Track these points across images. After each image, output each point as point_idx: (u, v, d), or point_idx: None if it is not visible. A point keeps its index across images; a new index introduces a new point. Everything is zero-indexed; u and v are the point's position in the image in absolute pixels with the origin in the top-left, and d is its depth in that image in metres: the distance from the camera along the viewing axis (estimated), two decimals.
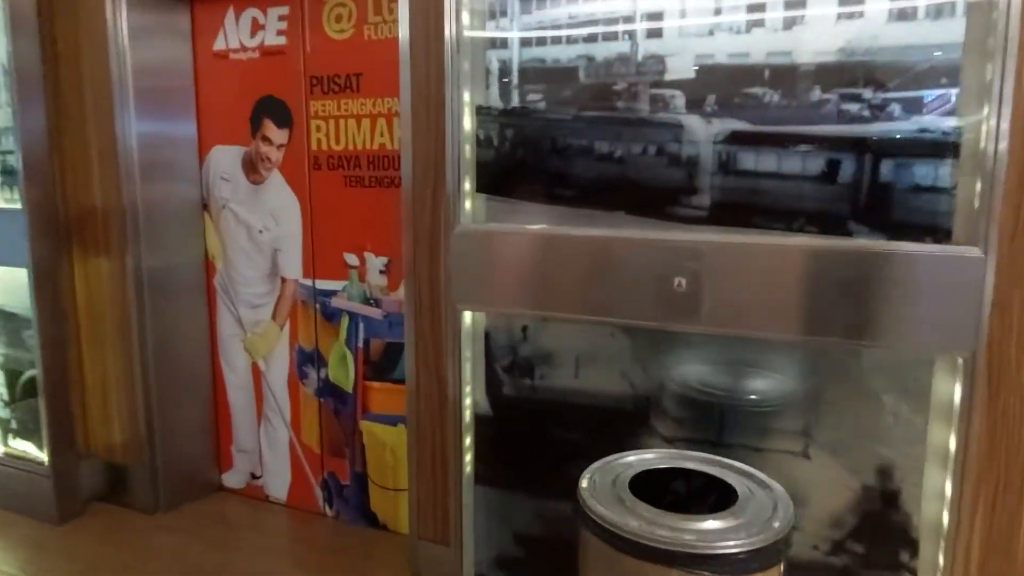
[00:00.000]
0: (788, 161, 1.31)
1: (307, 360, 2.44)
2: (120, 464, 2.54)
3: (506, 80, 1.55)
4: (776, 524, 1.06)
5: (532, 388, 1.64)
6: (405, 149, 1.84)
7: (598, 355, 1.57)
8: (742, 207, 1.36)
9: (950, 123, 1.22)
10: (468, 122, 1.59)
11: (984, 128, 1.18)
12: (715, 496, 1.17)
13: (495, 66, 1.56)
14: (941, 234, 1.24)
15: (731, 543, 1.03)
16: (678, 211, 1.41)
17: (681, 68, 1.39)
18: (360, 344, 2.33)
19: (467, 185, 1.61)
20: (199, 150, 2.50)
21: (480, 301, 1.59)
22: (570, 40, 1.45)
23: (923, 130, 1.23)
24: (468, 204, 1.62)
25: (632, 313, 1.43)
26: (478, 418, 1.70)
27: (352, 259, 2.29)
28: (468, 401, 1.68)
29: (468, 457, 1.72)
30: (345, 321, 2.34)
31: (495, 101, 1.57)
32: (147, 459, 2.47)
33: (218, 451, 2.69)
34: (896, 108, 1.25)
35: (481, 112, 1.57)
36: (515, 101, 1.55)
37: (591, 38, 1.44)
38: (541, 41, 1.49)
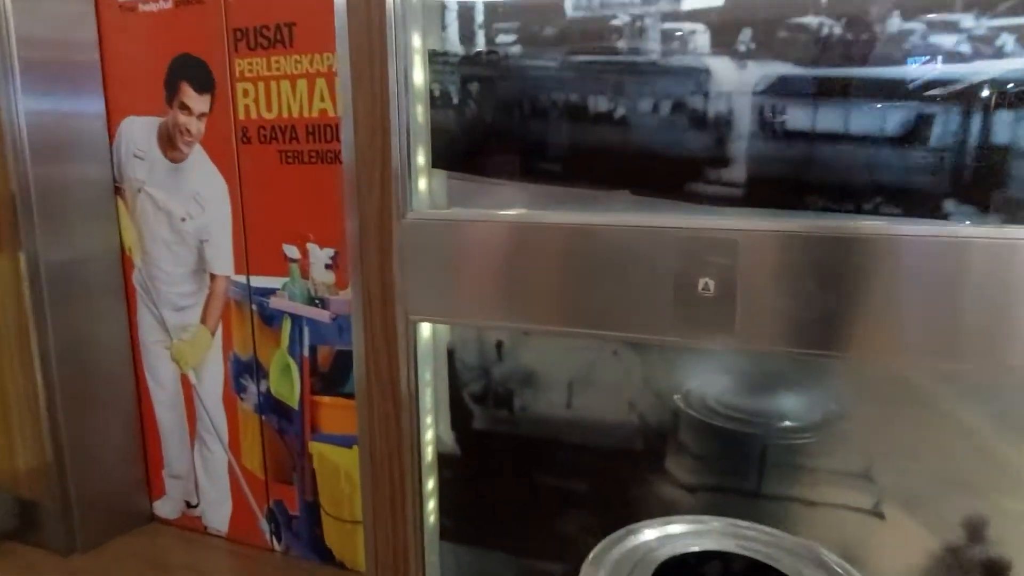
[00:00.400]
0: (858, 118, 0.94)
1: (244, 371, 2.06)
2: (27, 498, 2.15)
3: (468, 16, 1.16)
4: None
5: (511, 421, 1.28)
6: (345, 115, 1.44)
7: (597, 379, 1.21)
8: (792, 182, 0.99)
9: None
10: (419, 74, 1.20)
11: None
12: None
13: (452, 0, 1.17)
14: None
15: None
16: (703, 189, 1.04)
17: None
18: (305, 352, 1.95)
19: (420, 159, 1.23)
20: (108, 123, 2.08)
21: (440, 311, 1.22)
22: None
23: None
24: (422, 184, 1.24)
25: (641, 325, 1.07)
26: (443, 458, 1.34)
27: (292, 251, 1.90)
28: (430, 436, 1.32)
29: (432, 505, 1.36)
30: (287, 325, 1.95)
31: (454, 45, 1.19)
32: (58, 491, 2.09)
33: (147, 477, 2.31)
34: (1008, 41, 0.89)
35: (436, 60, 1.18)
36: (480, 44, 1.17)
37: None
38: None
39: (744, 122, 1.00)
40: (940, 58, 0.92)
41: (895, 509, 1.07)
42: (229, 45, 1.86)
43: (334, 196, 1.79)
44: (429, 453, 1.33)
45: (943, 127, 0.92)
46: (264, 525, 2.15)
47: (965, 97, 0.91)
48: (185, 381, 2.17)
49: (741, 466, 1.14)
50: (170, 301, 2.13)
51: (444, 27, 1.19)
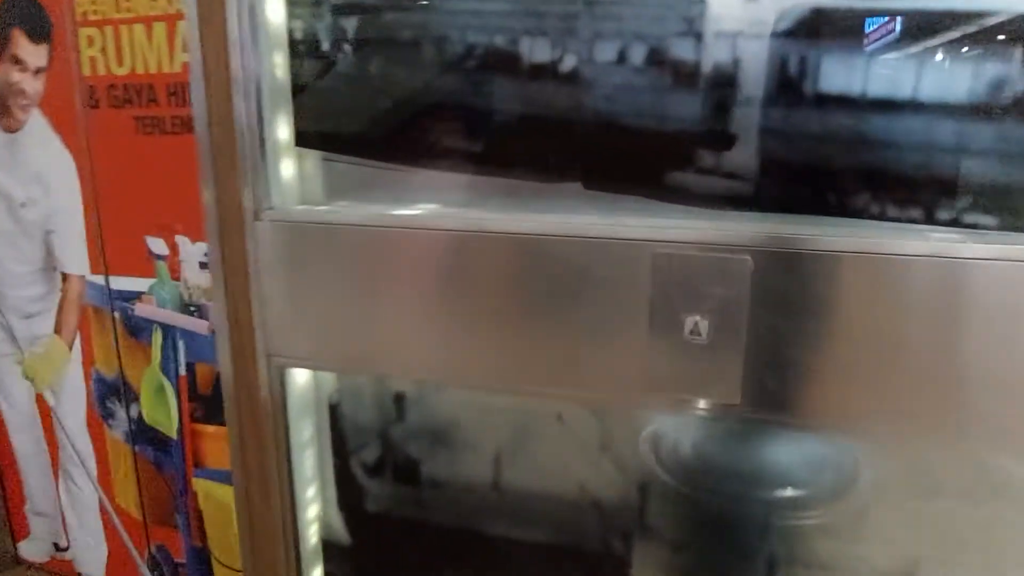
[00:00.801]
0: (931, 74, 0.60)
1: (110, 392, 1.66)
2: None
3: None
4: None
5: (416, 502, 0.93)
6: (194, 72, 1.05)
7: (536, 447, 0.86)
8: (830, 175, 0.65)
9: None
10: (275, 12, 0.82)
11: None
12: None
13: None
14: None
15: None
16: (692, 182, 0.70)
17: None
18: (182, 371, 1.56)
19: (281, 132, 0.85)
20: None
21: (315, 352, 0.86)
22: None
23: None
24: (287, 168, 0.87)
25: (598, 383, 0.74)
26: (328, 548, 0.98)
27: (158, 246, 1.50)
28: (312, 514, 0.96)
29: None
30: (158, 337, 1.56)
31: None
32: None
33: (7, 513, 1.91)
34: None
35: None
36: None
37: None
38: None
39: (757, 79, 0.65)
40: None
41: None
42: None
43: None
44: (311, 536, 0.97)
45: None
46: (145, 572, 1.78)
47: None
48: (41, 401, 1.76)
49: (740, 565, 0.82)
50: (17, 306, 1.71)
51: None
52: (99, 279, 1.58)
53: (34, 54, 1.51)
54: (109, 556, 1.81)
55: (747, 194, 0.68)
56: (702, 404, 0.71)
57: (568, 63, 0.71)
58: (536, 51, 0.71)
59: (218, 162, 0.90)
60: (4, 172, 1.61)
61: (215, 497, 1.62)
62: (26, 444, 1.82)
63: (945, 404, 0.65)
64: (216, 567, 1.69)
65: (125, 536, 1.77)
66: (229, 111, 0.91)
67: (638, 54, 0.68)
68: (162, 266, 1.51)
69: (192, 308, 1.51)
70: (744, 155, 0.67)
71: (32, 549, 1.93)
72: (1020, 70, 0.59)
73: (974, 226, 0.63)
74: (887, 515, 0.80)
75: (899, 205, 0.65)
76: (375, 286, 0.82)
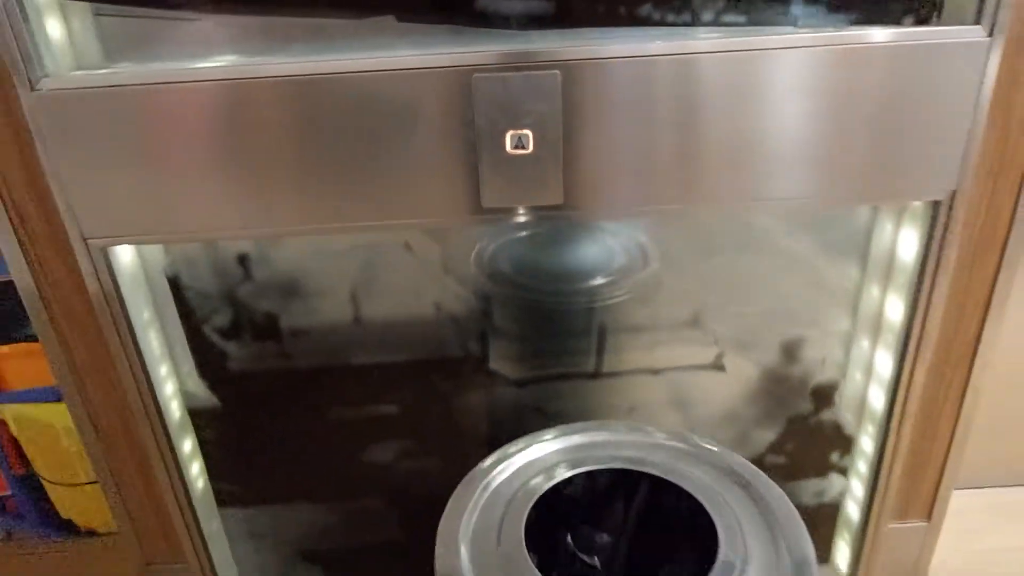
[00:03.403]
0: None
1: None
2: None
3: None
4: None
5: (281, 353, 0.96)
6: None
7: (388, 280, 0.92)
8: None
9: None
10: None
11: None
12: (661, 490, 0.69)
13: None
14: (927, 5, 0.76)
15: None
16: (498, 6, 0.74)
17: None
18: None
19: None
20: None
21: (133, 226, 0.82)
22: None
23: None
24: (55, 27, 0.77)
25: (436, 207, 0.80)
26: (196, 415, 1.00)
27: None
28: (171, 390, 0.96)
29: (196, 469, 1.04)
30: None
31: None
32: None
33: None
34: None
35: None
36: None
37: None
38: None
39: None
40: None
41: (731, 354, 0.99)
42: None
43: None
44: (175, 410, 0.98)
45: None
46: None
47: None
48: None
49: (572, 346, 0.97)
50: None
51: None
52: None
53: None
54: None
55: (549, 13, 0.74)
56: (530, 212, 0.81)
57: None
58: None
59: None
60: None
61: (32, 418, 1.50)
62: None
63: (721, 175, 0.80)
64: (48, 487, 1.59)
65: None
66: None
67: None
68: None
69: None
70: None
71: None
72: None
73: (731, 24, 0.75)
74: (676, 278, 0.98)
75: (675, 12, 0.76)
76: (185, 145, 0.79)
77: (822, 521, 1.14)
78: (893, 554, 1.33)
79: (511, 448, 0.75)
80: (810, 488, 1.11)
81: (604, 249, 0.99)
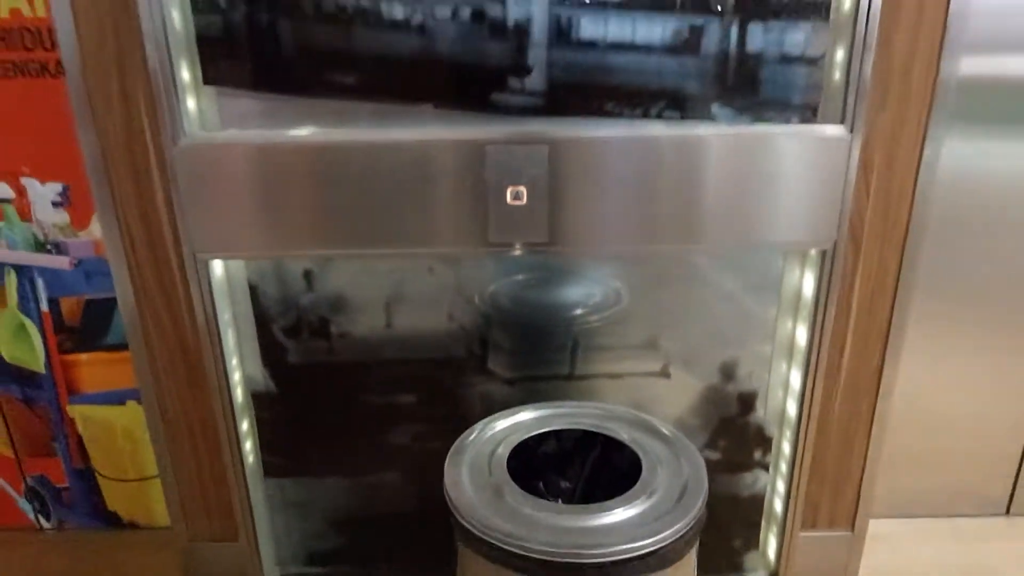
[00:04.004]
0: (643, 27, 1.02)
1: None
2: None
3: None
4: (693, 495, 0.87)
5: (329, 349, 1.24)
6: (61, 17, 1.19)
7: (415, 295, 1.21)
8: (588, 90, 1.05)
9: None
10: None
11: None
12: (610, 448, 0.95)
13: None
14: (807, 112, 1.07)
15: (648, 539, 0.81)
16: (507, 100, 1.06)
17: None
18: (43, 307, 1.65)
19: (185, 73, 1.06)
20: None
21: (234, 245, 1.12)
22: None
23: None
24: (192, 103, 1.09)
25: (455, 239, 1.09)
26: (257, 397, 1.27)
27: (2, 190, 1.55)
28: (238, 377, 1.23)
29: (249, 445, 1.30)
30: (12, 279, 1.63)
31: None
32: None
33: None
34: None
35: None
36: None
37: None
38: None
39: (543, 31, 1.02)
40: None
41: (677, 368, 1.27)
42: None
43: (52, 117, 1.47)
44: (239, 395, 1.25)
45: (710, 37, 1.03)
46: (24, 505, 1.87)
47: (726, 8, 1.03)
48: None
49: (553, 356, 1.25)
50: None
51: None
52: None
53: None
54: None
55: (541, 105, 1.06)
56: (524, 245, 1.10)
57: (417, 18, 1.02)
58: (394, 9, 1.02)
59: (128, 101, 1.09)
60: None
61: (95, 418, 1.76)
62: None
63: (665, 224, 1.10)
64: (102, 482, 1.83)
65: None
66: (117, 51, 1.11)
67: (465, 12, 1.01)
68: (9, 209, 1.57)
69: (49, 246, 1.60)
70: (536, 81, 1.04)
71: None
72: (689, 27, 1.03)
73: (669, 118, 1.07)
74: (642, 306, 1.27)
75: (631, 107, 1.07)
76: (278, 187, 1.09)
77: (754, 512, 1.39)
78: (821, 559, 1.56)
79: (499, 416, 1.02)
80: (742, 481, 1.36)
81: (583, 289, 1.28)
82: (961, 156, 1.46)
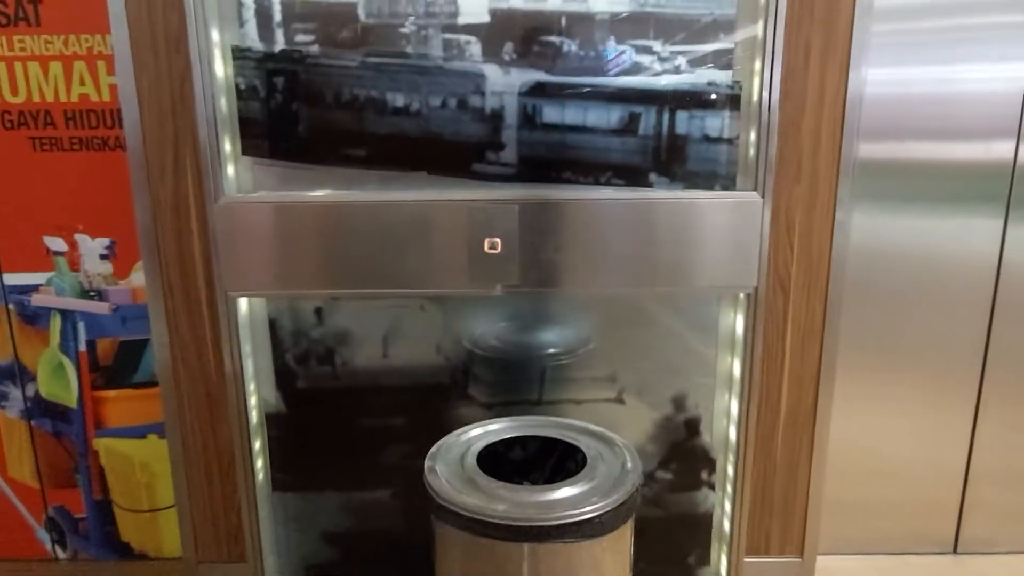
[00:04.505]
0: (592, 114, 1.29)
1: (4, 377, 1.90)
2: None
3: (266, 15, 1.29)
4: (626, 481, 1.07)
5: (334, 376, 1.46)
6: (127, 102, 1.47)
7: (408, 330, 1.44)
8: (550, 162, 1.31)
9: (729, 76, 1.30)
10: (221, 68, 1.30)
11: (757, 81, 1.27)
12: (566, 458, 1.15)
13: None
14: (727, 181, 1.33)
15: (587, 509, 1.01)
16: (485, 169, 1.32)
17: (474, 11, 1.27)
18: (81, 348, 1.87)
19: (228, 147, 1.33)
20: None
21: (260, 286, 1.35)
22: None
23: (709, 83, 1.29)
24: (231, 170, 1.35)
25: (443, 282, 1.33)
26: (269, 417, 1.47)
27: (57, 244, 1.80)
28: (253, 400, 1.44)
29: (260, 463, 1.49)
30: (57, 322, 1.85)
31: (254, 42, 1.30)
32: None
33: None
34: (682, 61, 1.29)
35: (239, 56, 1.29)
36: (280, 43, 1.30)
37: None
38: None
39: (514, 116, 1.29)
40: (642, 71, 1.29)
41: (632, 396, 1.48)
42: None
43: (106, 184, 1.74)
44: (254, 416, 1.45)
45: (647, 121, 1.30)
46: (43, 535, 2.02)
47: (658, 100, 1.30)
48: None
49: (525, 385, 1.46)
50: None
51: (242, 24, 1.30)
52: None
53: None
54: (0, 529, 2.02)
55: (511, 174, 1.32)
56: (499, 287, 1.34)
57: (414, 105, 1.29)
58: (396, 99, 1.29)
59: (178, 171, 1.36)
60: None
61: (117, 451, 1.94)
62: None
63: (612, 270, 1.33)
64: (118, 513, 2.00)
65: (20, 505, 2.00)
66: (175, 130, 1.38)
67: (452, 102, 1.29)
68: (61, 260, 1.82)
69: (92, 293, 1.83)
70: (508, 154, 1.31)
71: None
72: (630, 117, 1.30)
73: (615, 184, 1.32)
74: (603, 344, 1.48)
75: (587, 176, 1.33)
76: (297, 238, 1.34)
77: (705, 531, 1.56)
78: None
79: (473, 425, 1.22)
80: (693, 499, 1.54)
81: (550, 331, 1.50)
82: (878, 230, 1.70)
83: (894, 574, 1.92)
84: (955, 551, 2.00)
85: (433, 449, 1.14)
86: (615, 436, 1.18)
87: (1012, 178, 1.71)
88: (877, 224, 1.71)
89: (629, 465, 1.10)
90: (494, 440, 1.17)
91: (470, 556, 1.03)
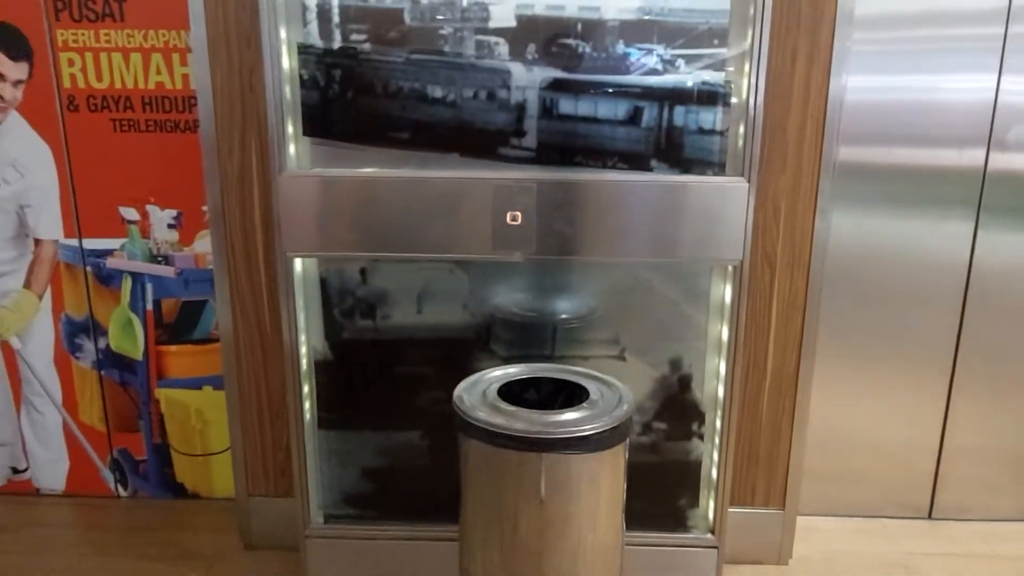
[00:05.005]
0: (602, 107, 1.50)
1: (79, 331, 2.16)
2: None
3: (326, 17, 1.51)
4: (621, 411, 1.28)
5: (375, 329, 1.68)
6: (202, 89, 1.71)
7: (439, 291, 1.66)
8: (565, 148, 1.53)
9: (722, 77, 1.50)
10: (287, 61, 1.53)
11: (746, 83, 1.47)
12: (572, 396, 1.37)
13: (312, 2, 1.52)
14: (718, 167, 1.53)
15: (587, 427, 1.23)
16: (509, 152, 1.54)
17: (503, 16, 1.49)
18: (148, 306, 2.12)
19: (290, 128, 1.56)
20: None
21: (314, 248, 1.58)
22: None
23: (704, 82, 1.50)
24: (292, 149, 1.58)
25: (470, 248, 1.54)
26: (317, 364, 1.70)
27: (131, 214, 2.06)
28: (304, 349, 1.67)
29: (308, 404, 1.72)
30: (128, 283, 2.11)
31: (315, 40, 1.53)
32: None
33: None
34: (681, 63, 1.50)
35: (303, 51, 1.52)
36: (338, 41, 1.53)
37: None
38: None
39: (534, 107, 1.51)
40: (647, 70, 1.50)
41: (632, 355, 1.69)
42: (49, 14, 1.94)
43: (176, 162, 1.99)
44: (304, 364, 1.68)
45: (649, 114, 1.51)
46: (107, 475, 2.28)
47: (660, 95, 1.51)
48: (6, 348, 2.19)
49: (539, 343, 1.68)
50: None
51: (306, 24, 1.53)
52: (72, 241, 2.09)
53: (14, 70, 2.00)
54: (71, 467, 2.27)
55: (532, 158, 1.53)
56: (519, 254, 1.55)
57: (450, 97, 1.52)
58: (435, 91, 1.51)
59: (244, 149, 1.59)
60: None
61: (176, 400, 2.19)
62: None
63: (616, 242, 1.54)
64: (175, 455, 2.24)
65: (89, 447, 2.25)
66: (243, 115, 1.61)
67: (483, 94, 1.51)
68: (133, 228, 2.07)
69: (159, 258, 2.08)
70: (529, 140, 1.52)
71: None
72: (634, 108, 1.51)
73: (620, 167, 1.53)
74: (608, 310, 1.70)
75: (596, 160, 1.54)
76: (347, 208, 1.56)
77: (695, 478, 1.76)
78: (759, 536, 1.91)
79: (495, 368, 1.44)
80: (684, 448, 1.74)
81: (569, 295, 1.71)
82: (860, 229, 1.90)
83: (873, 535, 2.11)
84: (930, 516, 2.18)
85: (462, 384, 1.36)
86: (614, 379, 1.39)
87: (983, 183, 1.89)
88: (859, 224, 1.91)
89: (624, 399, 1.31)
90: (511, 379, 1.38)
91: (491, 465, 1.25)
